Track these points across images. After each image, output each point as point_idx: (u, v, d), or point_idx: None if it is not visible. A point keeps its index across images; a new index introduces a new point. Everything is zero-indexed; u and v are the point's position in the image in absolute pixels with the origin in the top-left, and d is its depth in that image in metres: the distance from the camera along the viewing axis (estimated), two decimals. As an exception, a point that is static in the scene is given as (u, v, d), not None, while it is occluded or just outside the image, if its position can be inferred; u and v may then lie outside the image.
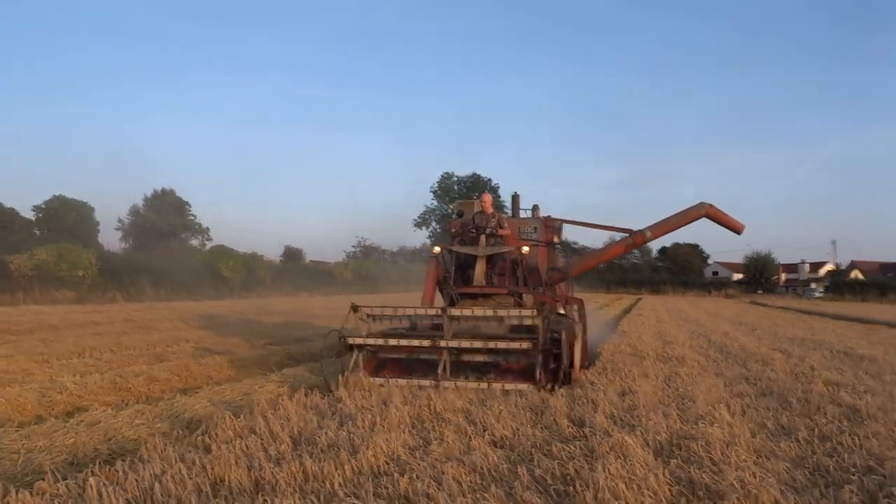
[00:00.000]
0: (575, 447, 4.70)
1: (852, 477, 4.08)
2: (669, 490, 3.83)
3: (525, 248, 9.66)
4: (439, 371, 7.63)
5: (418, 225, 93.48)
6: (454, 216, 10.94)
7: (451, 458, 4.41)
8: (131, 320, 19.71)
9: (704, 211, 10.55)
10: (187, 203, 58.12)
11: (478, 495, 3.64)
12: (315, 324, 19.48)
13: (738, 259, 78.77)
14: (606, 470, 3.96)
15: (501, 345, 7.57)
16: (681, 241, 75.66)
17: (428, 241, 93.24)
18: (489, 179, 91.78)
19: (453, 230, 10.65)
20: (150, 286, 34.22)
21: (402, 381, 7.66)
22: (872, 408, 6.17)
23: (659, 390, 7.22)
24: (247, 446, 4.73)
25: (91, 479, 3.90)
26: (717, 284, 72.50)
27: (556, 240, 10.84)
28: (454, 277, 9.75)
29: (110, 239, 54.52)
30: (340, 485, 3.96)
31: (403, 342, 8.19)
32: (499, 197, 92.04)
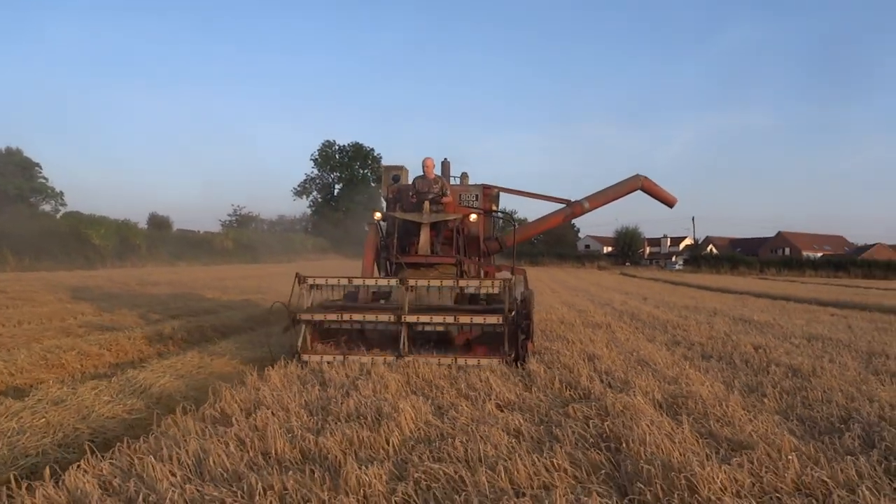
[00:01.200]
0: (590, 408, 4.96)
1: (839, 425, 4.64)
2: (698, 442, 4.18)
3: (474, 216, 9.53)
4: (401, 346, 7.17)
5: (298, 193, 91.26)
6: (390, 181, 10.38)
7: (482, 422, 4.53)
8: (3, 291, 17.96)
9: (640, 183, 10.77)
10: (37, 164, 53.00)
11: (535, 457, 3.78)
12: (206, 296, 18.72)
13: (608, 233, 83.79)
14: (640, 426, 4.25)
15: (477, 319, 7.22)
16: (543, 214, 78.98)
17: (308, 211, 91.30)
18: (371, 149, 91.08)
19: (390, 195, 10.17)
20: (11, 254, 31.14)
21: (364, 358, 7.08)
22: (807, 366, 6.94)
23: (615, 356, 7.68)
24: (267, 418, 4.59)
25: (135, 456, 3.67)
26: (589, 257, 76.62)
27: (493, 208, 10.63)
28: (396, 245, 9.26)
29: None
30: (395, 450, 3.98)
31: (359, 317, 7.59)
32: (380, 167, 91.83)
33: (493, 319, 7.13)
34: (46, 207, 52.02)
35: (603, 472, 3.62)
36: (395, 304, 7.93)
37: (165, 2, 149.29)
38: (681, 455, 3.74)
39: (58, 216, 47.22)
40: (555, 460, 3.66)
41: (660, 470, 3.45)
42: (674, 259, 75.49)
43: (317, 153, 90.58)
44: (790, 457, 3.73)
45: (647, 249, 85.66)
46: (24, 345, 8.94)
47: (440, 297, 8.42)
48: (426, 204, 9.14)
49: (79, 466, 3.53)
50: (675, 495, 3.17)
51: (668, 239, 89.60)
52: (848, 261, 63.86)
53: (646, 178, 10.91)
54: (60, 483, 3.26)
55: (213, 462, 3.63)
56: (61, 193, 53.26)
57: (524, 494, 3.16)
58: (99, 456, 3.79)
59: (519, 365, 6.81)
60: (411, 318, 7.23)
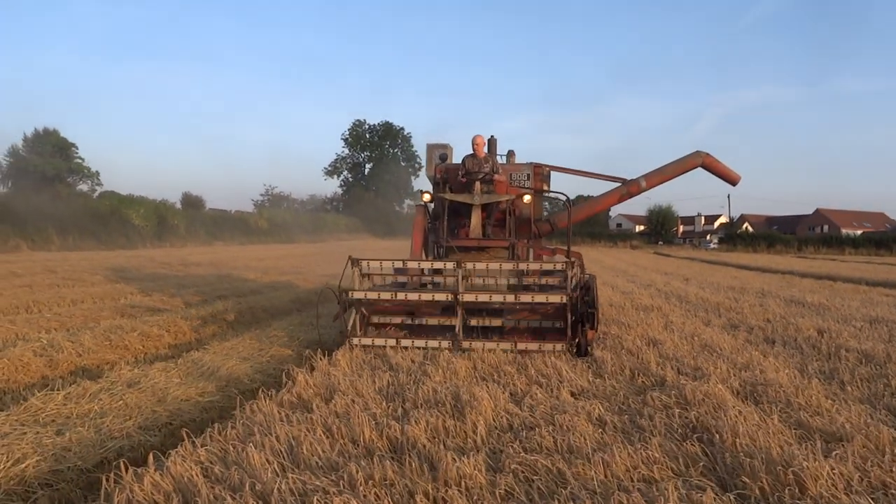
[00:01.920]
0: (668, 397, 4.88)
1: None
2: (790, 433, 4.08)
3: (527, 197, 9.05)
4: (457, 331, 6.85)
5: (329, 173, 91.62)
6: (437, 160, 9.91)
7: (561, 411, 4.49)
8: (53, 272, 18.40)
9: (701, 160, 10.16)
10: (73, 145, 53.54)
11: (629, 448, 3.71)
12: (248, 276, 18.90)
13: (640, 212, 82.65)
14: (728, 417, 4.17)
15: (538, 298, 6.91)
16: (584, 194, 78.35)
17: (339, 190, 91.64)
18: (402, 128, 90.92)
19: (438, 176, 9.74)
20: (56, 234, 31.88)
21: (418, 342, 6.87)
22: (880, 352, 6.75)
23: (677, 340, 7.55)
24: (347, 405, 4.60)
25: (228, 443, 3.70)
26: (621, 236, 75.86)
27: (545, 188, 10.15)
28: (446, 228, 8.94)
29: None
30: (483, 440, 3.96)
31: (414, 297, 7.30)
32: (411, 146, 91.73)
33: (555, 298, 6.81)
34: (83, 187, 52.96)
35: (701, 464, 3.56)
36: (444, 289, 7.64)
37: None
38: (780, 448, 3.65)
39: (95, 196, 48.11)
40: (649, 452, 3.60)
41: (762, 464, 3.37)
42: (708, 238, 74.26)
43: (347, 132, 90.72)
44: (893, 449, 3.62)
45: (681, 228, 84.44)
46: (82, 325, 9.14)
47: (494, 283, 8.22)
48: (477, 184, 8.75)
49: (177, 453, 3.56)
50: (786, 491, 3.09)
51: (703, 217, 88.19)
52: (890, 238, 62.14)
53: (707, 154, 10.28)
54: (165, 470, 3.29)
55: (307, 450, 3.64)
56: (97, 173, 54.13)
57: (628, 489, 3.11)
58: (195, 442, 3.82)
59: (585, 354, 6.47)
60: (469, 297, 6.95)
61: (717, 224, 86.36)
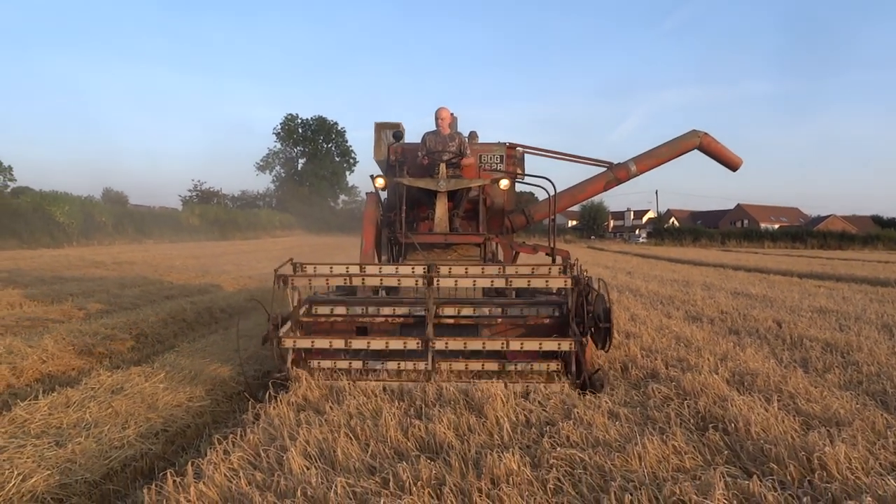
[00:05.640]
0: (668, 388, 5.05)
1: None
2: (793, 419, 4.30)
3: (505, 183, 7.61)
4: (428, 364, 5.17)
5: (261, 168, 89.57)
6: (390, 139, 8.23)
7: (574, 405, 4.58)
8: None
9: (699, 141, 9.01)
10: (-16, 139, 50.59)
11: (656, 439, 3.84)
12: (215, 281, 18.04)
13: (573, 207, 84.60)
14: (734, 406, 4.37)
15: (528, 345, 5.23)
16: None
17: (272, 186, 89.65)
18: (335, 123, 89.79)
19: (392, 158, 8.23)
20: (-28, 234, 29.96)
21: (383, 380, 5.12)
22: (840, 341, 7.19)
23: (651, 332, 7.80)
24: (360, 405, 4.57)
25: (260, 448, 3.61)
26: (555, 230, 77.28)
27: (519, 173, 8.65)
28: (404, 221, 7.39)
29: None
30: (510, 435, 4.01)
31: (361, 345, 5.41)
32: (345, 141, 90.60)
33: (565, 346, 5.22)
34: (-6, 183, 49.99)
35: (725, 453, 3.72)
36: (408, 299, 6.25)
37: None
38: (793, 435, 3.85)
39: (7, 191, 45.53)
40: (676, 443, 3.74)
41: (786, 450, 3.56)
42: (637, 232, 76.82)
43: (279, 127, 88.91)
44: (890, 432, 3.89)
45: (612, 223, 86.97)
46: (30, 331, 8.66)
47: (466, 288, 6.27)
48: (442, 167, 7.43)
49: (209, 461, 3.46)
50: (815, 475, 3.27)
51: (632, 212, 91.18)
52: (804, 232, 65.97)
53: (705, 133, 9.05)
54: (207, 479, 3.19)
55: (341, 453, 3.60)
56: (10, 168, 51.22)
57: (676, 480, 3.22)
58: (224, 449, 3.71)
59: (587, 392, 4.95)
60: (440, 345, 5.19)
61: (645, 219, 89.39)
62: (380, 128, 8.70)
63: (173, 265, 22.35)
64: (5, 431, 4.44)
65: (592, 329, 5.26)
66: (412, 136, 8.49)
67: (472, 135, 8.77)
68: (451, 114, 8.13)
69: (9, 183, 50.96)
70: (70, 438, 4.37)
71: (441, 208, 7.43)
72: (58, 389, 5.54)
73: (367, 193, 8.18)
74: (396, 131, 8.07)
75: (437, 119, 7.81)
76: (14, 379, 6.33)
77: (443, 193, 7.38)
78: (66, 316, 9.99)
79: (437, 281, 5.48)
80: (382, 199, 8.25)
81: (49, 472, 3.83)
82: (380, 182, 7.62)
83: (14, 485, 3.57)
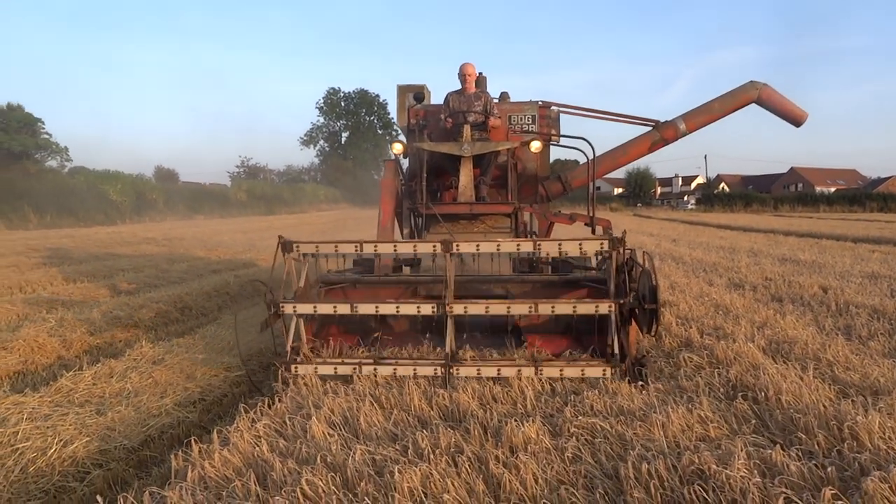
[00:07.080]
0: (700, 357, 4.96)
1: None
2: (828, 388, 4.18)
3: (536, 145, 6.98)
4: (447, 347, 4.59)
5: (305, 143, 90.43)
6: (411, 102, 7.58)
7: (600, 374, 4.54)
8: (36, 250, 18.06)
9: (757, 93, 7.95)
10: (40, 120, 51.60)
11: (682, 408, 3.78)
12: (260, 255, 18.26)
13: (618, 174, 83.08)
14: (767, 375, 4.26)
15: (562, 308, 4.62)
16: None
17: (317, 160, 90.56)
18: (377, 95, 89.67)
19: (413, 121, 7.40)
20: (32, 212, 31.20)
21: (401, 369, 4.60)
22: (889, 307, 6.92)
23: (689, 301, 7.66)
24: (385, 375, 4.62)
25: (286, 416, 3.71)
26: (599, 198, 76.05)
27: (553, 134, 7.73)
28: (425, 190, 6.82)
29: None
30: (532, 405, 4.01)
31: (370, 309, 4.86)
32: (387, 114, 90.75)
33: (603, 308, 4.57)
34: (52, 163, 51.66)
35: (753, 422, 3.64)
36: (430, 276, 5.75)
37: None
38: (825, 404, 3.74)
39: (65, 172, 47.08)
40: (702, 412, 3.68)
41: (815, 419, 3.46)
42: (686, 198, 75.08)
43: (322, 101, 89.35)
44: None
45: (659, 190, 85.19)
46: (85, 303, 9.01)
47: (494, 263, 5.95)
48: (466, 129, 6.75)
49: (236, 428, 3.56)
50: (845, 445, 3.18)
51: (680, 178, 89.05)
52: (863, 195, 63.37)
53: (765, 85, 7.95)
54: (232, 446, 3.29)
55: (364, 421, 3.66)
56: (66, 149, 52.78)
57: (696, 448, 3.17)
58: (252, 417, 3.82)
59: (634, 379, 4.38)
60: (458, 309, 4.65)
61: (693, 185, 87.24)
62: (403, 90, 8.00)
63: (221, 240, 22.87)
64: (51, 400, 4.66)
65: (636, 311, 4.60)
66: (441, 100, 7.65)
67: (504, 95, 8.03)
68: (481, 74, 7.57)
69: (66, 163, 52.75)
70: (111, 407, 4.57)
71: (466, 175, 6.78)
72: (102, 360, 5.76)
73: (383, 161, 7.62)
74: (418, 93, 7.49)
75: (461, 76, 7.12)
76: (64, 351, 6.61)
77: (467, 159, 6.75)
78: (116, 290, 10.35)
79: (455, 255, 4.85)
80: (403, 167, 7.68)
81: (89, 438, 4.01)
82: (397, 147, 7.16)
83: (55, 450, 3.76)
